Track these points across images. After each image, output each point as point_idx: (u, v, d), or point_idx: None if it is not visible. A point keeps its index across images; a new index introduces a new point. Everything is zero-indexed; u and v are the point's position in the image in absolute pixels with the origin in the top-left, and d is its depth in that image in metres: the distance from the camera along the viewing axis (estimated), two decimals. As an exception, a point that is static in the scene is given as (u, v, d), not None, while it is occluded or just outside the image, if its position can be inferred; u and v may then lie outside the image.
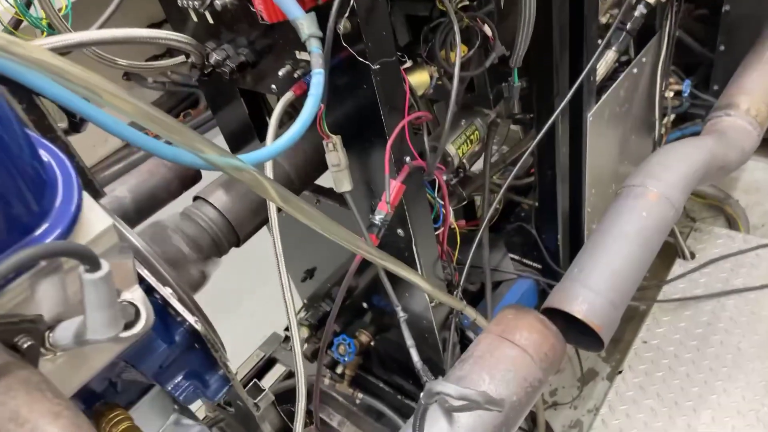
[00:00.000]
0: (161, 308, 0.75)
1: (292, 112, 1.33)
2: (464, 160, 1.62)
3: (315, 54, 0.83)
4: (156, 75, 3.52)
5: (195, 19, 1.16)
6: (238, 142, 1.53)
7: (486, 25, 1.17)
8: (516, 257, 2.12)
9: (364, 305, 1.59)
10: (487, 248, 1.68)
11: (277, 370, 1.91)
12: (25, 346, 0.53)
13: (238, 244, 1.16)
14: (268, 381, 1.86)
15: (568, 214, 1.82)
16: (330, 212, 1.42)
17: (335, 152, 0.99)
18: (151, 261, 0.78)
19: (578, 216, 1.85)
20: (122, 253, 0.62)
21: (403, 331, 1.12)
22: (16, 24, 1.25)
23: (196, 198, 1.14)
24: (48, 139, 0.68)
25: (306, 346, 1.71)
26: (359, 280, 1.58)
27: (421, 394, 0.70)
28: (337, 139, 1.00)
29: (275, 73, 1.09)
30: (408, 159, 1.08)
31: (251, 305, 2.68)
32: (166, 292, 0.75)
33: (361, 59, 0.93)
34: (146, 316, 0.63)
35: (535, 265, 2.06)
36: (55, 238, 0.51)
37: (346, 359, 1.58)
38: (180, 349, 0.75)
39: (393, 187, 1.04)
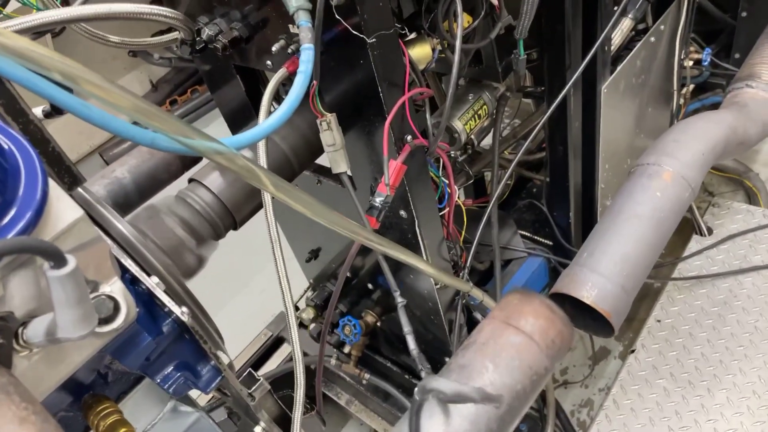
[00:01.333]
0: (148, 298, 0.72)
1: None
2: (472, 136, 1.56)
3: (304, 28, 0.78)
4: (162, 51, 3.47)
5: (186, -8, 1.11)
6: (238, 121, 1.49)
7: (492, -7, 1.11)
8: (527, 234, 2.07)
9: (369, 286, 1.56)
10: (496, 226, 1.63)
11: (285, 350, 1.90)
12: (-7, 345, 0.50)
13: (235, 228, 1.13)
14: (275, 361, 1.85)
15: (580, 190, 1.76)
16: (332, 193, 1.39)
17: (330, 131, 0.95)
18: (138, 248, 0.75)
19: (591, 192, 1.79)
20: (98, 245, 0.59)
21: (400, 317, 1.09)
22: (3, 1, 1.21)
23: (191, 180, 1.11)
24: (20, 124, 0.65)
25: (312, 326, 1.70)
26: (364, 260, 1.55)
27: (415, 390, 0.67)
28: (331, 117, 0.95)
29: (269, 48, 1.04)
30: (409, 137, 1.03)
31: (261, 282, 2.68)
32: (151, 282, 0.72)
33: (356, 33, 0.88)
34: (126, 310, 0.60)
35: (546, 242, 2.01)
36: (17, 232, 0.48)
37: (351, 340, 1.56)
38: (168, 341, 0.73)
39: (393, 168, 0.99)
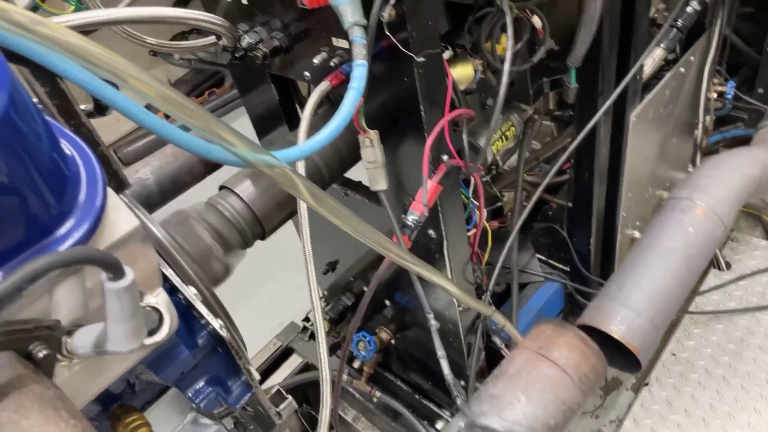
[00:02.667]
0: (184, 309, 0.71)
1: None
2: (497, 157, 1.55)
3: (358, 44, 0.77)
4: (183, 52, 3.48)
5: (228, -2, 1.10)
6: (266, 126, 1.49)
7: (536, 16, 1.10)
8: (542, 257, 2.05)
9: (386, 302, 1.54)
10: (516, 249, 1.62)
11: (294, 361, 1.88)
12: (41, 355, 0.49)
13: (263, 237, 1.12)
14: (283, 371, 1.83)
15: (603, 217, 1.74)
16: (358, 207, 1.37)
17: (372, 148, 0.94)
18: (175, 256, 0.74)
19: (612, 220, 1.77)
20: (148, 255, 0.57)
21: (434, 340, 1.07)
22: (43, -4, 1.21)
23: (222, 187, 1.09)
24: (71, 126, 0.63)
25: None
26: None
27: (461, 425, 0.65)
28: (374, 134, 0.94)
29: (310, 59, 1.03)
30: (445, 157, 1.02)
31: (270, 290, 2.66)
32: (190, 292, 0.70)
33: (403, 50, 0.87)
34: (170, 322, 0.59)
35: (562, 267, 1.99)
36: (75, 241, 0.47)
37: (365, 357, 1.54)
38: (202, 354, 0.71)
39: (429, 188, 0.98)
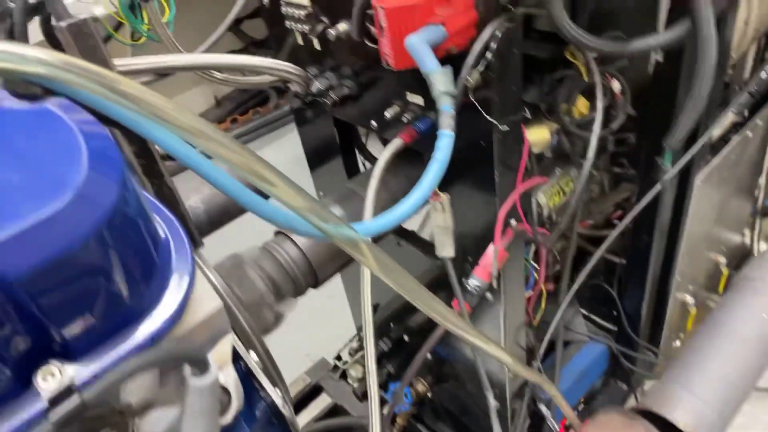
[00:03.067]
0: (243, 376, 0.67)
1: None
2: (553, 213, 1.50)
3: (446, 114, 0.73)
4: (247, 86, 3.53)
5: (300, 42, 1.09)
6: (319, 159, 1.48)
7: (615, 80, 1.06)
8: (584, 312, 1.98)
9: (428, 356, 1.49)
10: (564, 310, 1.55)
11: (322, 400, 1.83)
12: (111, 445, 0.46)
13: (315, 286, 1.09)
14: (311, 410, 1.78)
15: (657, 280, 1.67)
16: (409, 258, 1.34)
17: (443, 213, 0.90)
18: (240, 321, 0.71)
19: (666, 283, 1.70)
20: (225, 333, 0.54)
21: (492, 421, 1.02)
22: (116, 26, 1.21)
23: (278, 233, 1.07)
24: (154, 186, 0.61)
25: (357, 385, 1.63)
26: (418, 319, 1.50)
27: None
28: (446, 198, 0.91)
29: (380, 111, 1.01)
30: (513, 222, 0.98)
31: (299, 320, 2.62)
32: (251, 360, 0.67)
33: (487, 116, 0.83)
34: (237, 403, 0.55)
35: (606, 325, 1.92)
36: (161, 329, 0.44)
37: (400, 409, 1.49)
38: (258, 426, 0.67)
39: (498, 255, 0.94)
